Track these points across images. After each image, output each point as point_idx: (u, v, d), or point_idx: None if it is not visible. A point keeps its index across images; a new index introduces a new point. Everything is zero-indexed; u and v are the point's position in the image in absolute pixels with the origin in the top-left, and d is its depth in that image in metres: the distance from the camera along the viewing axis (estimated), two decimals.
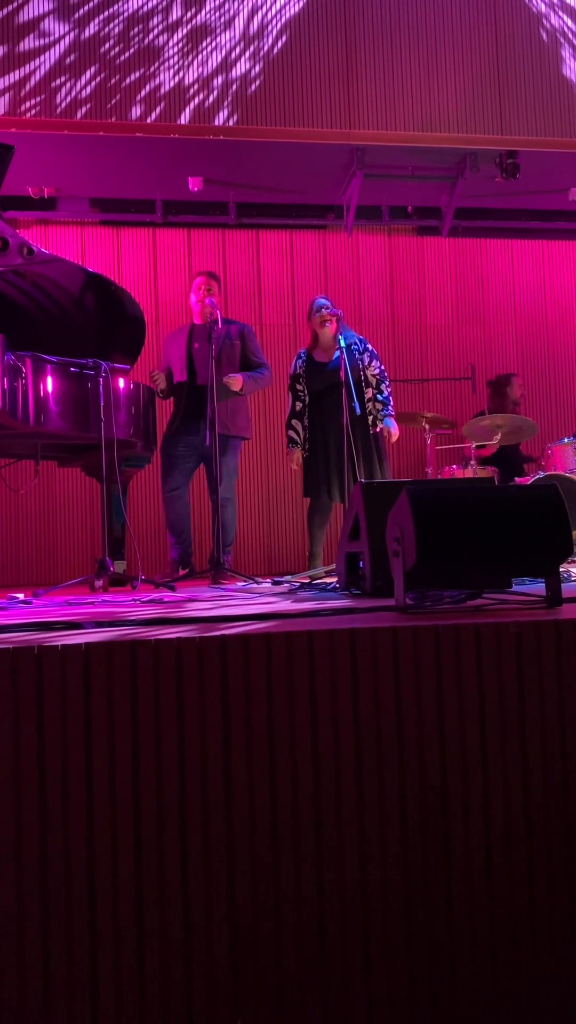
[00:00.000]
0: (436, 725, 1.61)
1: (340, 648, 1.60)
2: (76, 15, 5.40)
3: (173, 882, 1.51)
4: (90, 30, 5.40)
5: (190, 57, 5.52)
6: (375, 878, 1.56)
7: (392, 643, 1.62)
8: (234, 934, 1.52)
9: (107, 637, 1.63)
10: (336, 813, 1.57)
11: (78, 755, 1.50)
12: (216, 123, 5.50)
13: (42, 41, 5.36)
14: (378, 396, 4.82)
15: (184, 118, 5.47)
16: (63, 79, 5.36)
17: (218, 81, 5.53)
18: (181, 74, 5.50)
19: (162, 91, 5.47)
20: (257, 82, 5.56)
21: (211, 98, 5.51)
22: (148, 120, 5.44)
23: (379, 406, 4.81)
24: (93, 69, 5.39)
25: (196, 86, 5.51)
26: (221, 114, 5.52)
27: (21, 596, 3.27)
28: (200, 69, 5.52)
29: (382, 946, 1.56)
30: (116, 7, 5.44)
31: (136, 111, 5.42)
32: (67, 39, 5.37)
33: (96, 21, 5.41)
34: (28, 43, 5.34)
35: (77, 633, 1.78)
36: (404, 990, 1.55)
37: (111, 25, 5.42)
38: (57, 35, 5.36)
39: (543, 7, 5.85)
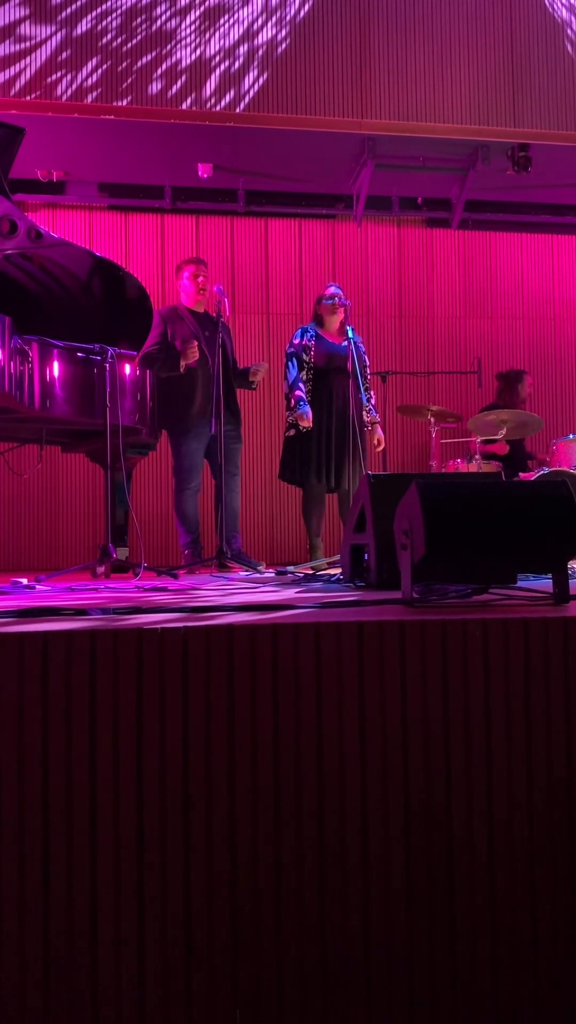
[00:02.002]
0: (441, 719, 1.61)
1: (347, 640, 1.59)
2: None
3: (175, 871, 1.50)
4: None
5: (199, 41, 5.47)
6: (377, 868, 1.56)
7: (399, 636, 1.61)
8: (235, 921, 1.51)
9: (112, 625, 1.62)
10: (339, 804, 1.56)
11: (82, 742, 1.50)
12: (225, 110, 5.46)
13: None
14: (370, 401, 4.83)
15: (189, 105, 5.43)
16: (60, 74, 5.30)
17: (227, 69, 5.49)
18: (188, 62, 5.46)
19: (172, 75, 5.43)
20: (268, 71, 5.52)
21: (219, 86, 5.47)
22: (159, 104, 5.41)
23: (372, 408, 4.83)
24: (95, 60, 5.34)
25: (202, 74, 5.47)
26: (230, 99, 5.48)
27: (24, 581, 3.26)
28: (209, 54, 5.48)
29: (383, 936, 1.55)
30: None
31: (150, 92, 5.38)
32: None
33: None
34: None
35: (83, 619, 1.77)
36: (404, 983, 1.55)
37: (107, 20, 5.37)
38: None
39: (560, 7, 5.81)
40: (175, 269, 5.04)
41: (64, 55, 5.32)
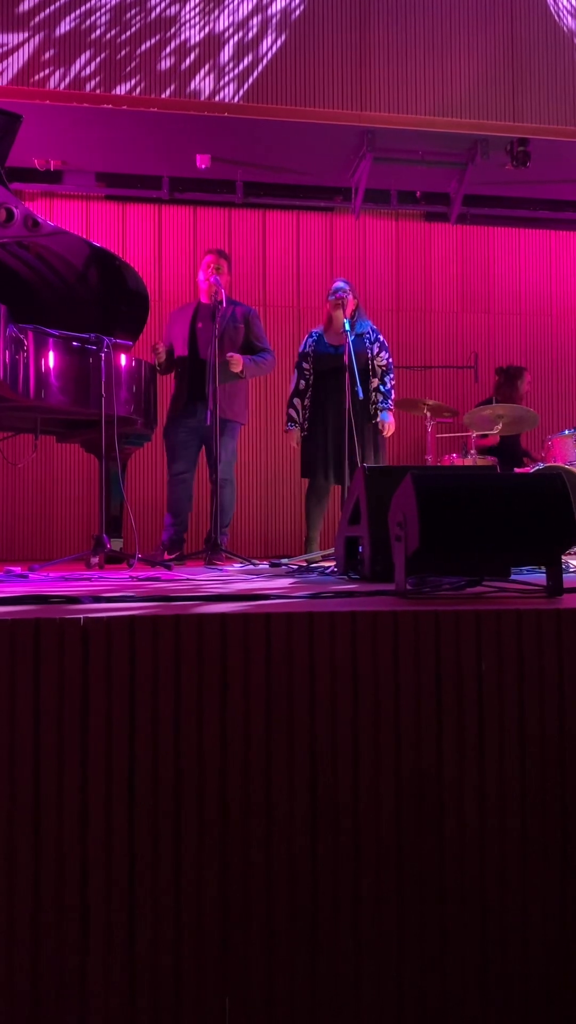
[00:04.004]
0: (434, 710, 1.61)
1: (341, 630, 1.59)
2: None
3: (166, 855, 1.50)
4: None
5: (199, 28, 5.45)
6: (369, 861, 1.56)
7: (393, 627, 1.61)
8: (225, 906, 1.51)
9: (105, 612, 1.62)
10: (331, 795, 1.56)
11: (74, 729, 1.49)
12: (224, 100, 5.44)
13: None
14: (380, 387, 4.83)
15: (188, 95, 5.41)
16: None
17: (226, 59, 5.46)
18: (187, 51, 5.44)
19: (171, 64, 5.41)
20: (267, 62, 5.50)
21: (218, 76, 5.45)
22: (157, 94, 5.38)
23: (379, 397, 4.82)
24: (88, 54, 5.29)
25: (201, 61, 5.44)
26: (229, 90, 5.46)
27: (17, 570, 3.25)
28: (210, 43, 5.45)
29: (372, 923, 1.56)
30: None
31: (149, 82, 5.36)
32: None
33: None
34: None
35: (75, 607, 1.77)
36: (393, 977, 1.55)
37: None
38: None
39: (563, 9, 5.79)
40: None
41: (48, 54, 5.27)
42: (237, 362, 4.53)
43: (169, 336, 4.81)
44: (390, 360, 4.94)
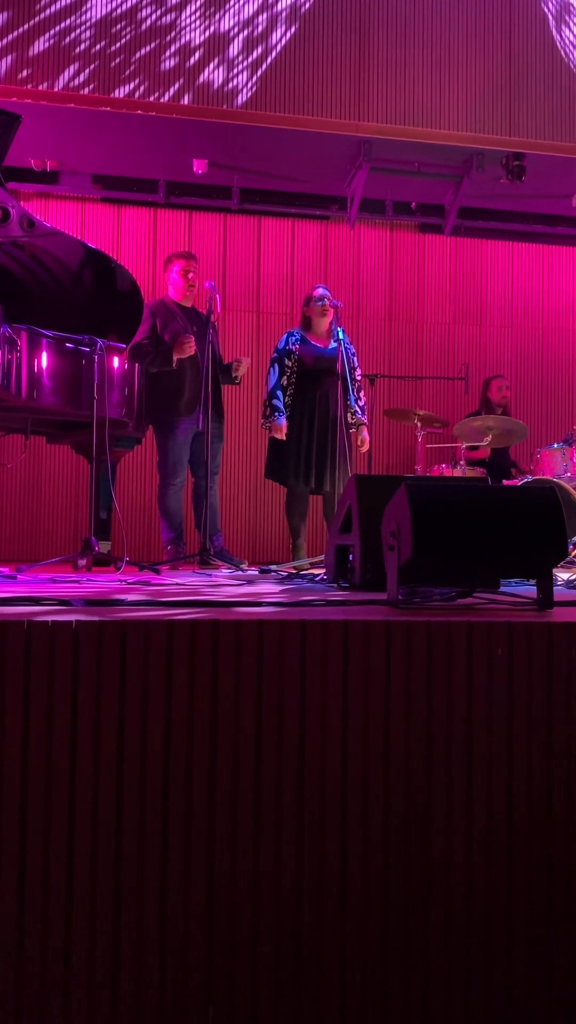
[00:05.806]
0: (424, 720, 1.61)
1: (333, 639, 1.58)
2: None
3: (152, 866, 1.49)
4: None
5: (198, 35, 5.45)
6: (355, 869, 1.56)
7: (385, 637, 1.61)
8: (210, 916, 1.51)
9: (97, 617, 1.61)
10: (320, 802, 1.55)
11: (63, 737, 1.48)
12: (224, 108, 5.45)
13: None
14: (358, 402, 4.83)
15: (188, 101, 5.41)
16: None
17: (226, 65, 5.47)
18: (185, 57, 5.44)
19: (168, 70, 5.41)
20: (266, 69, 5.51)
21: (217, 82, 5.46)
22: (154, 99, 5.38)
23: (358, 410, 4.82)
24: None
25: (199, 70, 5.45)
26: (228, 95, 5.47)
27: (6, 571, 3.24)
28: (207, 50, 5.46)
29: (359, 939, 1.55)
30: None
31: (145, 86, 5.36)
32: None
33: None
34: None
35: (67, 611, 1.76)
36: (378, 986, 1.55)
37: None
38: None
39: (557, 12, 5.84)
40: (164, 261, 5.00)
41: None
42: (244, 364, 4.66)
43: (159, 330, 4.69)
44: (361, 373, 4.97)
